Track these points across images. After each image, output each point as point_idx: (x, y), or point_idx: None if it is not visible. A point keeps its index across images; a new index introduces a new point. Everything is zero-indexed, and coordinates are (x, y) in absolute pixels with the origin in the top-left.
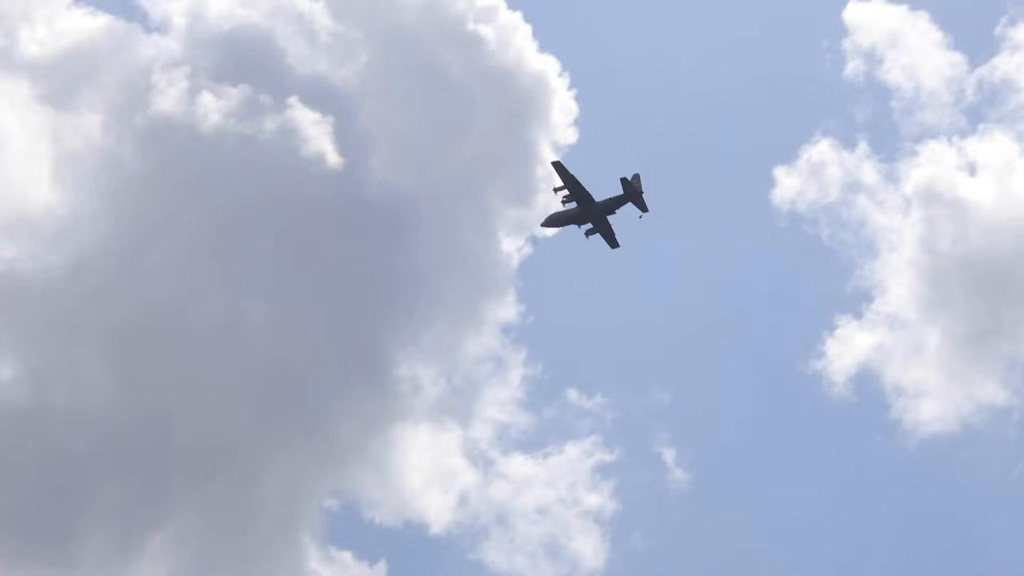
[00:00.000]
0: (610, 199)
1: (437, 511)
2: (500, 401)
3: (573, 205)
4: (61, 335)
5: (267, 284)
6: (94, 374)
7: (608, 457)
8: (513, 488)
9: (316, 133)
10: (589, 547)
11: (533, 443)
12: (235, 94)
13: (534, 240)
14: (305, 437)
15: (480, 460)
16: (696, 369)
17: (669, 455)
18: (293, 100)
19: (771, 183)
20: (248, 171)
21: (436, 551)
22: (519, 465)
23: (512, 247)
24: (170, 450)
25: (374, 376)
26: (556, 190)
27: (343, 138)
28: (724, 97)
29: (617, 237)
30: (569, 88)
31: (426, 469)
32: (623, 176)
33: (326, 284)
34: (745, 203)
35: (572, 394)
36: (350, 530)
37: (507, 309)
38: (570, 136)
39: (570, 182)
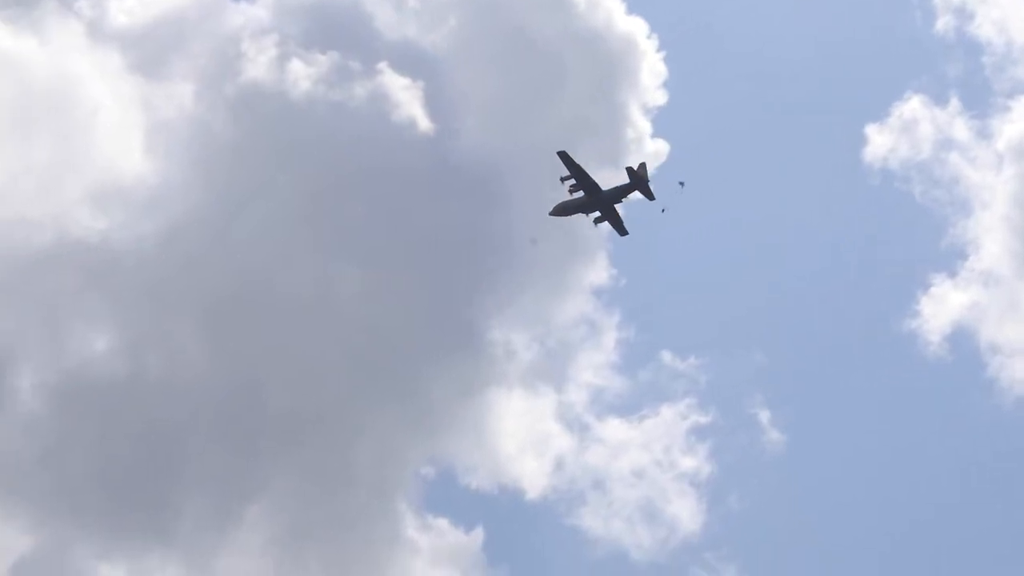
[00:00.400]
0: (616, 187)
1: (533, 476)
2: (594, 365)
3: (581, 194)
4: (154, 306)
5: (359, 251)
6: (188, 344)
7: (703, 419)
8: (609, 452)
9: (406, 99)
10: (685, 510)
11: (628, 406)
12: (324, 61)
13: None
14: (399, 403)
15: (575, 424)
16: (790, 329)
17: (764, 416)
18: (382, 66)
19: (863, 141)
20: (338, 138)
21: (532, 517)
22: (614, 429)
23: None
24: (265, 419)
25: (468, 341)
26: (563, 179)
27: (433, 103)
28: (814, 55)
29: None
30: (658, 50)
31: (521, 434)
32: (628, 166)
33: (418, 250)
34: (837, 162)
35: (666, 356)
36: (446, 496)
37: (598, 272)
38: (659, 98)
39: (576, 172)
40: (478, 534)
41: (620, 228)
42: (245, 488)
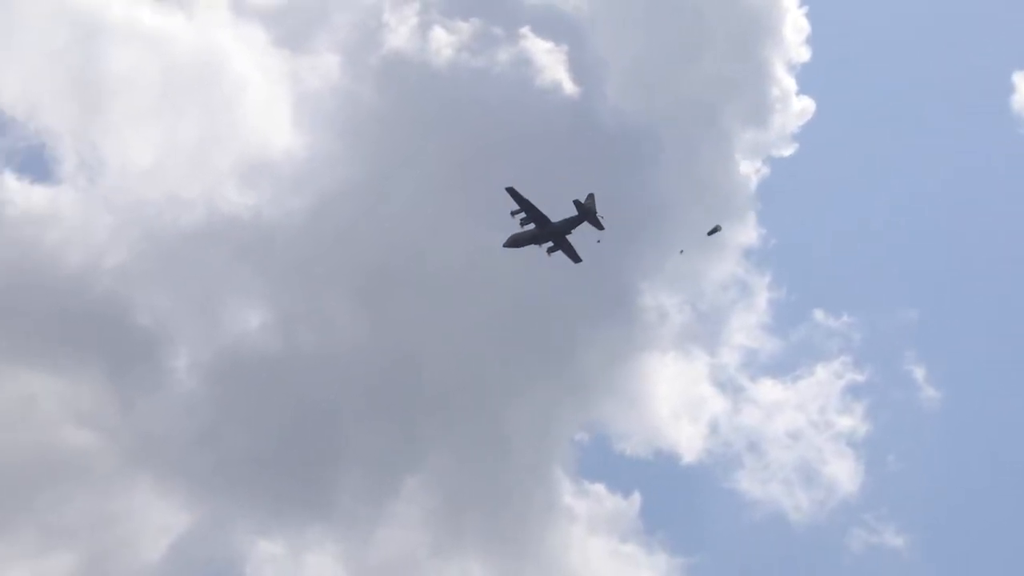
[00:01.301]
0: (565, 220)
1: (688, 440)
2: (747, 326)
3: (532, 226)
4: (307, 280)
5: (509, 219)
6: (341, 318)
7: (859, 377)
8: (763, 414)
9: (550, 62)
10: (843, 471)
11: (782, 367)
12: (466, 28)
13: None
14: (553, 371)
15: (729, 387)
16: (943, 284)
17: (919, 373)
18: (525, 30)
19: (1011, 89)
20: (483, 104)
21: (689, 481)
22: (768, 390)
23: (750, 169)
24: (420, 391)
25: (619, 307)
26: (513, 213)
27: (577, 66)
28: (957, 2)
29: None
30: (800, 5)
31: (675, 398)
32: (576, 199)
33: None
34: (985, 111)
35: (819, 315)
36: (602, 462)
37: (748, 233)
38: (803, 54)
39: (525, 205)
40: (635, 499)
41: (574, 256)
42: (402, 461)
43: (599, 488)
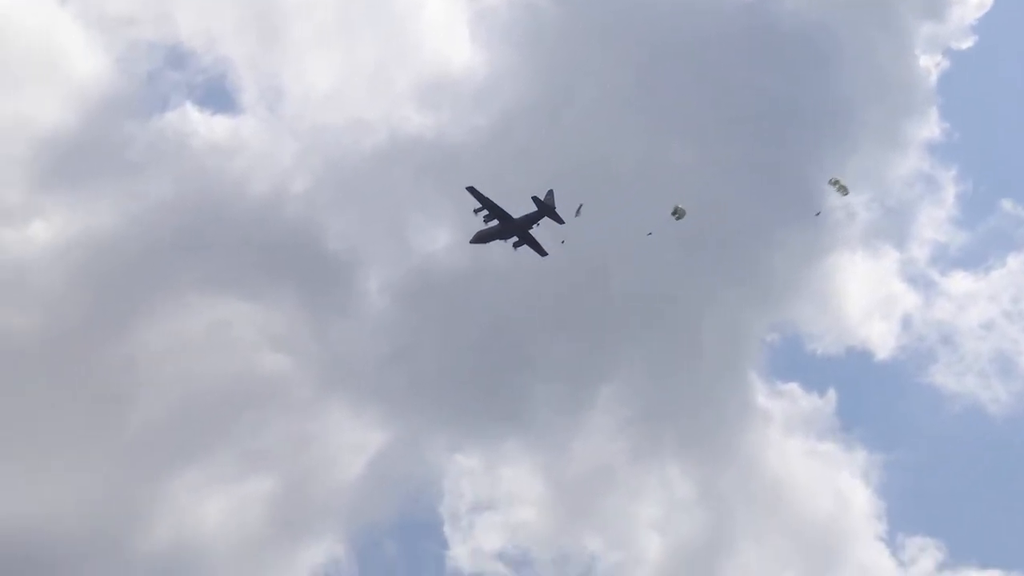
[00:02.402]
0: (526, 216)
1: (881, 337)
2: (934, 220)
3: (496, 222)
4: (492, 195)
5: (690, 124)
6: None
7: None
8: (956, 307)
9: None
10: None
11: (972, 259)
12: None
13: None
14: (742, 275)
15: (920, 281)
16: None
17: None
18: None
19: None
20: (660, 9)
21: (884, 377)
22: (960, 283)
23: (929, 63)
24: (611, 301)
25: (805, 207)
26: (476, 211)
27: None
28: None
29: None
30: None
31: (865, 296)
32: (535, 195)
33: (748, 119)
34: None
35: (1007, 205)
36: (794, 363)
37: (931, 128)
38: None
39: (486, 203)
40: (830, 398)
41: (539, 250)
42: (595, 371)
43: (793, 388)
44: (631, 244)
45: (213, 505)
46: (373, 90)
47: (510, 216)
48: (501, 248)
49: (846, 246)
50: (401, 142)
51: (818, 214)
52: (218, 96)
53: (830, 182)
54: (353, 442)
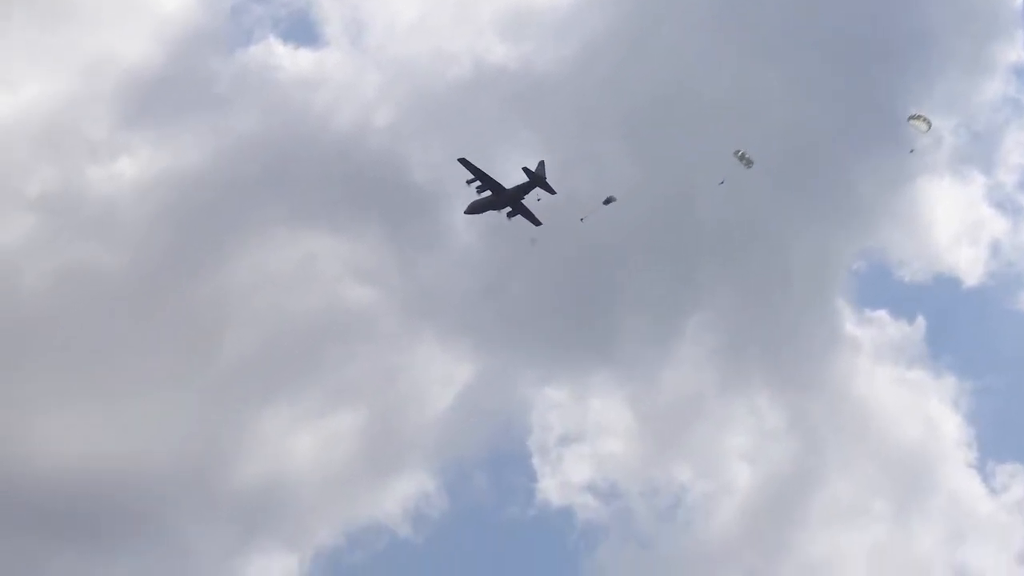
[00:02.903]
0: (517, 186)
1: (969, 263)
2: (1022, 145)
3: (488, 193)
4: (579, 127)
5: (776, 51)
6: (615, 161)
7: None
8: None
9: None
10: None
11: None
12: None
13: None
14: (829, 203)
15: (1008, 206)
16: None
17: None
18: None
19: None
20: None
21: (972, 304)
22: None
23: None
24: (698, 230)
25: (892, 134)
26: (468, 182)
27: None
28: None
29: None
30: None
31: (953, 222)
32: (525, 166)
33: (834, 45)
34: None
35: None
36: (882, 290)
37: (1017, 51)
38: None
39: (478, 174)
40: (919, 325)
41: (533, 220)
42: (683, 301)
43: (882, 315)
44: (718, 171)
45: (302, 440)
46: (457, 20)
47: (502, 186)
48: (583, 177)
49: (933, 172)
50: (485, 73)
51: (912, 151)
52: (302, 29)
53: (912, 118)
54: (441, 375)
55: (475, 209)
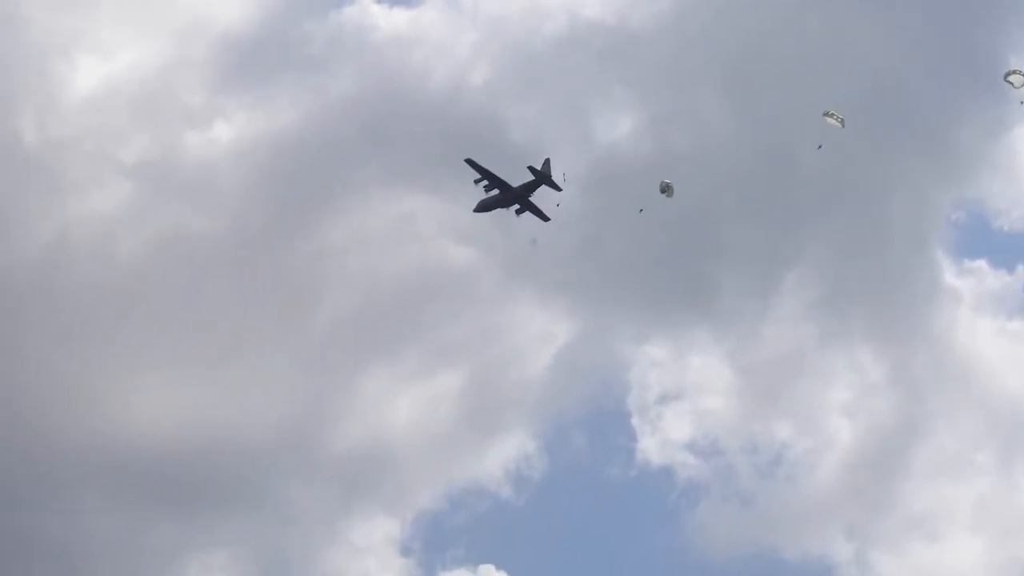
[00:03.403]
0: (523, 184)
1: None
2: None
3: (496, 192)
4: (674, 80)
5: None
6: (712, 114)
7: None
8: None
9: None
10: None
11: None
12: None
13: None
14: (926, 153)
15: None
16: None
17: None
18: None
19: None
20: None
21: None
22: None
23: None
24: (796, 183)
25: (990, 83)
26: (476, 182)
27: None
28: None
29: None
30: None
31: None
32: (531, 165)
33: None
34: None
35: None
36: (981, 240)
37: None
38: None
39: (485, 173)
40: (1019, 274)
41: (542, 216)
42: (782, 255)
43: (981, 265)
44: (814, 121)
45: (402, 402)
46: None
47: (509, 185)
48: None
49: None
50: (581, 28)
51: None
52: None
53: (1008, 74)
54: (541, 333)
55: (484, 207)
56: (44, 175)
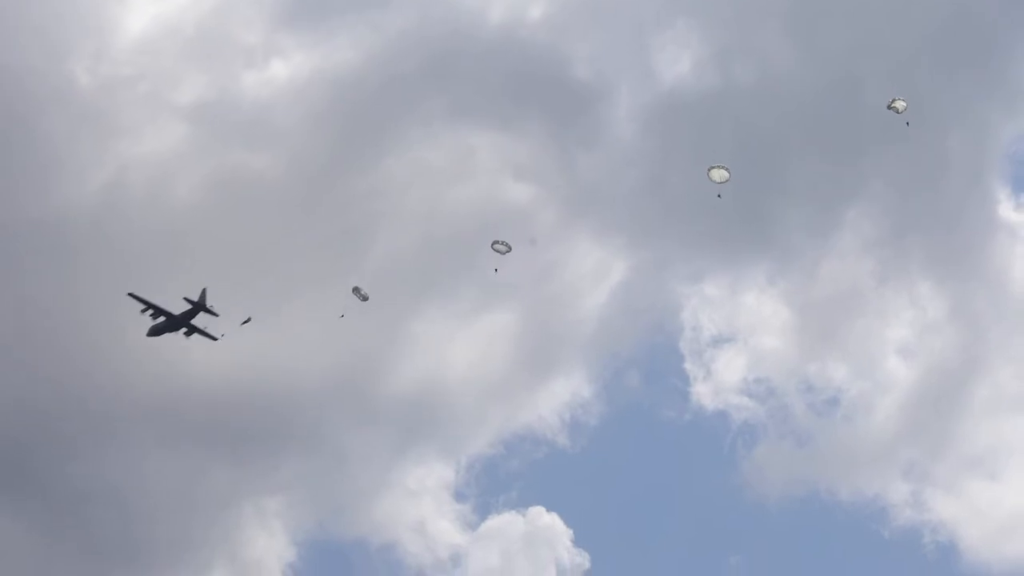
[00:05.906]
0: (183, 312)
1: None
2: None
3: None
4: (738, 13)
5: None
6: (775, 48)
7: None
8: None
9: None
10: None
11: None
12: None
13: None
14: (987, 87)
15: None
16: None
17: None
18: None
19: None
20: None
21: None
22: None
23: None
24: (858, 117)
25: None
26: (142, 311)
27: None
28: None
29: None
30: None
31: None
32: (187, 296)
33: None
34: None
35: None
36: None
37: None
38: None
39: (148, 305)
40: None
41: (209, 336)
42: (842, 191)
43: None
44: (877, 57)
45: (458, 342)
46: None
47: (171, 313)
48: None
49: None
50: None
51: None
52: None
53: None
54: (598, 270)
55: (156, 332)
56: (99, 118)
